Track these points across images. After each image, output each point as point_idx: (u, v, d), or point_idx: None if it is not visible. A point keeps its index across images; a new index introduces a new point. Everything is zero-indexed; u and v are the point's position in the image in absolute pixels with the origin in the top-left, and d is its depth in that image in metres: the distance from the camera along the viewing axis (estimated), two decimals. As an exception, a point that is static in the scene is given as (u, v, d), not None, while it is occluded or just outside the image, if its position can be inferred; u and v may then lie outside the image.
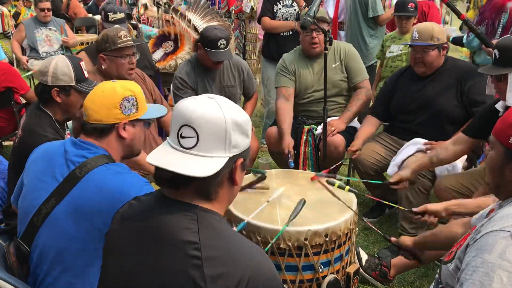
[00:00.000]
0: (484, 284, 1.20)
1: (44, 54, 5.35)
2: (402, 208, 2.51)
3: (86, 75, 2.32)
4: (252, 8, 5.10)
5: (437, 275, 1.62)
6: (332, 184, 2.42)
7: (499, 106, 2.44)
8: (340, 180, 2.53)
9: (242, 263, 1.11)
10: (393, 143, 3.21)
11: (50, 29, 5.46)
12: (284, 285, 2.04)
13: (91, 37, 6.64)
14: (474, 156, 3.13)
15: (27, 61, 5.29)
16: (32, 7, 7.87)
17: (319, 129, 3.23)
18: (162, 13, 4.45)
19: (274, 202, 2.28)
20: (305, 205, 2.15)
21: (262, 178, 2.46)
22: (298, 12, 4.34)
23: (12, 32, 6.89)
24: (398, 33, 4.22)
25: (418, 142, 2.97)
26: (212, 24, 4.29)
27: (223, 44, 3.23)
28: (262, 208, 2.20)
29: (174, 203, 1.18)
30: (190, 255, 1.09)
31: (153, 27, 5.43)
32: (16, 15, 8.13)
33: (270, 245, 2.01)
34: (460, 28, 4.13)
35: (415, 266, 2.60)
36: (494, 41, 3.16)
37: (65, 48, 5.55)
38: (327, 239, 2.08)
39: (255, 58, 5.29)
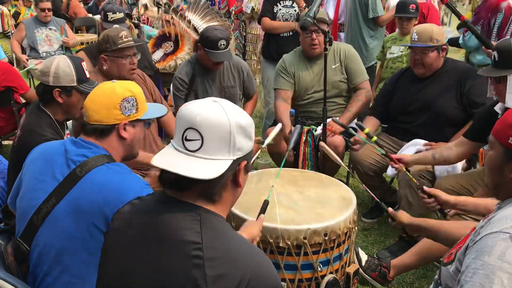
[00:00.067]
0: (484, 286, 1.20)
1: (44, 54, 5.35)
2: (413, 180, 2.49)
3: (88, 76, 2.32)
4: (253, 9, 5.10)
5: (436, 276, 1.62)
6: (362, 129, 2.45)
7: (497, 108, 2.44)
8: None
9: (243, 264, 1.11)
10: (392, 144, 3.22)
11: (50, 28, 5.46)
12: (283, 284, 2.05)
13: (91, 37, 6.64)
14: (473, 157, 3.14)
15: (27, 60, 5.29)
16: (32, 6, 7.88)
17: (319, 129, 3.23)
18: (162, 13, 4.45)
19: (273, 201, 2.29)
20: (304, 203, 2.14)
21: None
22: (298, 12, 4.34)
23: (12, 31, 6.89)
24: (399, 34, 4.23)
25: (418, 143, 2.97)
26: (212, 24, 4.30)
27: (223, 44, 3.23)
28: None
29: (177, 203, 1.18)
30: (191, 255, 1.10)
31: (153, 27, 5.44)
32: (16, 15, 8.14)
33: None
34: (458, 28, 4.14)
35: (414, 267, 2.60)
36: (493, 42, 3.17)
37: (65, 48, 5.55)
38: (326, 238, 2.08)
39: (255, 58, 5.29)
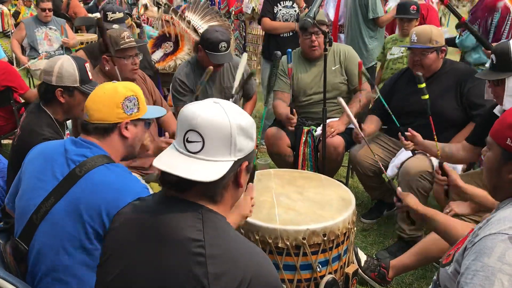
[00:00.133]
0: None
1: (44, 53, 5.35)
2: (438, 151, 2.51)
3: (91, 77, 2.33)
4: (253, 9, 5.11)
5: (435, 277, 1.62)
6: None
7: (496, 111, 2.45)
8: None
9: (243, 264, 1.11)
10: (392, 145, 3.22)
11: (50, 28, 5.46)
12: (283, 285, 2.05)
13: (91, 36, 6.65)
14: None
15: (28, 61, 5.30)
16: (32, 6, 7.87)
17: (319, 130, 3.24)
18: (161, 13, 4.45)
19: (272, 201, 2.29)
20: (303, 204, 2.14)
21: None
22: (298, 13, 4.35)
23: (12, 31, 6.88)
24: (400, 35, 4.24)
25: (417, 144, 2.98)
26: (212, 25, 4.30)
27: (224, 47, 3.23)
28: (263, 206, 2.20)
29: (179, 202, 1.19)
30: (193, 252, 1.10)
31: (152, 27, 5.44)
32: (16, 14, 8.13)
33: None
34: (457, 27, 4.15)
35: (413, 268, 2.60)
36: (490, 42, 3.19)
37: (65, 48, 5.55)
38: (325, 238, 2.08)
39: (255, 59, 5.30)
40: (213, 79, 3.44)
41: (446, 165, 2.20)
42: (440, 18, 6.56)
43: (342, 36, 4.91)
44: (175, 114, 3.38)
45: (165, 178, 1.19)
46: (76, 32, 7.02)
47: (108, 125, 1.72)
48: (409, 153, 2.94)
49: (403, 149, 3.03)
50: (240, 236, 1.23)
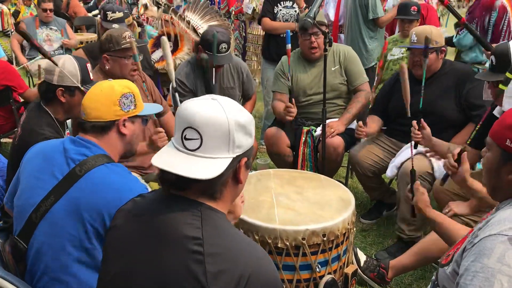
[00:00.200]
0: None
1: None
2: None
3: (92, 77, 2.33)
4: (254, 10, 5.11)
5: (433, 277, 1.62)
6: None
7: (496, 112, 2.45)
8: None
9: (243, 261, 1.11)
10: (392, 145, 3.22)
11: (51, 28, 5.47)
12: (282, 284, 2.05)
13: (91, 36, 6.65)
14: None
15: (28, 60, 5.30)
16: (32, 5, 7.86)
17: (318, 130, 3.24)
18: (161, 13, 4.45)
19: (272, 201, 2.29)
20: (303, 204, 2.14)
21: None
22: (298, 13, 4.35)
23: (12, 30, 6.88)
24: (400, 36, 4.24)
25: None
26: (212, 24, 4.30)
27: (224, 48, 3.23)
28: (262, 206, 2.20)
29: (179, 200, 1.19)
30: (192, 250, 1.10)
31: (152, 27, 5.44)
32: (15, 14, 8.12)
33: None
34: (456, 27, 4.16)
35: (413, 268, 2.60)
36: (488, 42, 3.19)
37: (65, 48, 5.54)
38: (324, 238, 2.08)
39: (255, 59, 5.30)
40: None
41: (464, 155, 2.13)
42: (439, 18, 6.57)
43: (342, 36, 4.91)
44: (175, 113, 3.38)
45: (164, 177, 1.18)
46: (76, 31, 7.01)
47: (105, 123, 1.72)
48: (409, 154, 2.94)
49: (402, 149, 3.04)
50: (240, 233, 1.23)
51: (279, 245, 2.06)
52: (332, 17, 4.92)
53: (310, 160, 3.33)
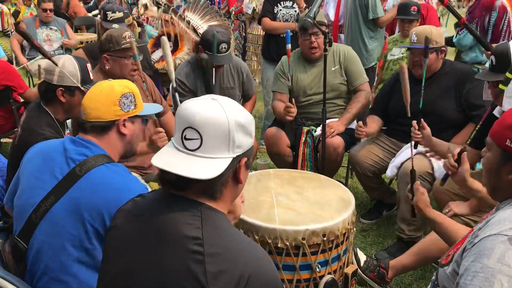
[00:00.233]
0: None
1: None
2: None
3: (92, 77, 2.33)
4: (254, 10, 5.11)
5: (433, 277, 1.62)
6: None
7: (496, 112, 2.45)
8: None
9: (243, 261, 1.11)
10: (391, 145, 3.22)
11: (51, 28, 5.47)
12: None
13: (91, 36, 6.65)
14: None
15: (27, 61, 5.30)
16: (32, 5, 7.86)
17: (318, 130, 3.24)
18: (161, 13, 4.45)
19: (272, 201, 2.29)
20: (303, 204, 2.14)
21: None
22: (298, 13, 4.35)
23: (12, 30, 6.88)
24: (401, 36, 4.24)
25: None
26: (211, 24, 4.30)
27: (224, 48, 3.23)
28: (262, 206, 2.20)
29: (179, 200, 1.19)
30: (192, 250, 1.10)
31: (152, 27, 5.44)
32: (15, 13, 8.12)
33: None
34: (456, 27, 4.17)
35: (413, 268, 2.60)
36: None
37: (65, 48, 5.54)
38: (324, 238, 2.08)
39: (255, 59, 5.30)
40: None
41: (464, 155, 2.13)
42: (439, 18, 6.58)
43: (342, 36, 4.91)
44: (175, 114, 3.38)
45: (164, 177, 1.18)
46: (76, 31, 7.02)
47: (105, 123, 1.72)
48: (409, 154, 2.94)
49: (402, 149, 3.04)
50: (240, 233, 1.23)
51: (279, 245, 2.06)
52: (332, 17, 4.92)
53: (310, 160, 3.33)
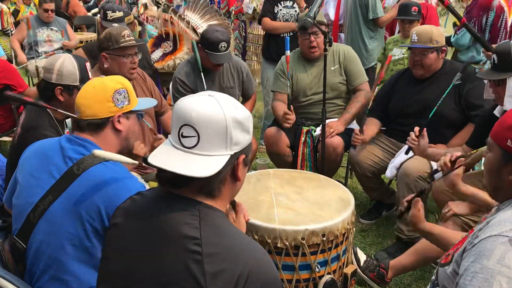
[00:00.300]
0: None
1: (43, 54, 5.34)
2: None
3: (90, 76, 2.32)
4: (254, 10, 5.10)
5: (433, 277, 1.62)
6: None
7: (497, 112, 2.45)
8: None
9: (242, 260, 1.11)
10: (391, 146, 3.22)
11: (51, 29, 5.46)
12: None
13: (90, 35, 6.64)
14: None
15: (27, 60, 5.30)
16: (32, 4, 7.85)
17: (318, 130, 3.23)
18: (160, 12, 4.44)
19: (271, 201, 2.29)
20: (302, 204, 2.14)
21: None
22: (298, 13, 4.35)
23: (11, 29, 6.87)
24: (401, 36, 4.24)
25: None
26: (212, 24, 4.30)
27: (224, 46, 3.23)
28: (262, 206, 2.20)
29: (177, 199, 1.18)
30: (190, 250, 1.10)
31: (153, 26, 5.43)
32: (15, 12, 8.11)
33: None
34: (454, 26, 4.18)
35: (412, 268, 2.60)
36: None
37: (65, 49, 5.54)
38: (324, 238, 2.08)
39: (255, 59, 5.30)
40: (213, 79, 3.44)
41: (460, 161, 2.12)
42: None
43: (342, 35, 4.91)
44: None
45: (162, 175, 1.18)
46: (75, 31, 7.01)
47: (100, 120, 1.71)
48: (409, 154, 2.94)
49: (402, 149, 3.04)
50: (239, 232, 1.23)
51: (279, 245, 2.06)
52: (332, 16, 4.92)
53: (309, 160, 3.33)
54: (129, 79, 2.49)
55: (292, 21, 4.38)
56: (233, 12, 5.60)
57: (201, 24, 4.36)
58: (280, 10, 4.39)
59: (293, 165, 3.34)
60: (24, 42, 5.45)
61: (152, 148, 2.41)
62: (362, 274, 2.57)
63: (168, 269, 1.11)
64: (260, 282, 1.12)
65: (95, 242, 1.59)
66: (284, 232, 2.05)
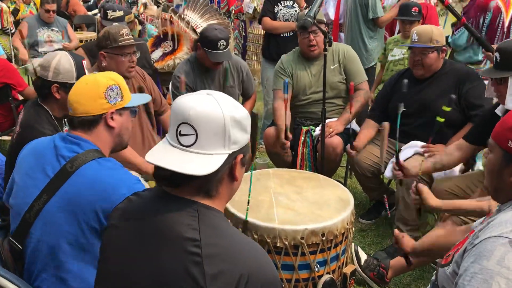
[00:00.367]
0: None
1: (43, 54, 5.34)
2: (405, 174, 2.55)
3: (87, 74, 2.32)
4: (255, 9, 5.10)
5: (433, 278, 1.61)
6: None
7: (498, 110, 2.44)
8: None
9: (242, 261, 1.10)
10: (391, 146, 3.21)
11: (52, 29, 5.46)
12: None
13: (90, 34, 6.64)
14: (471, 159, 3.14)
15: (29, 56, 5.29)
16: (31, 3, 7.85)
17: (317, 130, 3.23)
18: (160, 12, 4.44)
19: (271, 201, 2.29)
20: (302, 204, 2.14)
21: None
22: (298, 13, 4.35)
23: (11, 28, 6.87)
24: (401, 37, 4.23)
25: (416, 145, 2.98)
26: (211, 23, 4.29)
27: (223, 45, 3.23)
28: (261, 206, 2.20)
29: (175, 199, 1.17)
30: (189, 252, 1.09)
31: (153, 25, 5.43)
32: (15, 12, 8.11)
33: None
34: (452, 25, 4.18)
35: (411, 268, 2.60)
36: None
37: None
38: (323, 238, 2.08)
39: (255, 59, 5.29)
40: (212, 77, 3.43)
41: (420, 186, 2.18)
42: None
43: (342, 35, 4.91)
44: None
45: (159, 173, 1.17)
46: (75, 30, 7.01)
47: (93, 117, 1.69)
48: (408, 154, 2.94)
49: (401, 149, 3.03)
50: (238, 232, 1.22)
51: (278, 244, 2.06)
52: (332, 16, 4.92)
53: (309, 160, 3.33)
54: (127, 78, 2.48)
55: (292, 21, 4.38)
56: (233, 12, 5.60)
57: (201, 23, 4.35)
58: (280, 9, 4.39)
59: (292, 165, 3.34)
60: (24, 42, 5.44)
61: None
62: (362, 273, 2.56)
63: (167, 270, 1.11)
64: (260, 282, 1.11)
65: (92, 239, 1.58)
66: (284, 232, 2.05)
